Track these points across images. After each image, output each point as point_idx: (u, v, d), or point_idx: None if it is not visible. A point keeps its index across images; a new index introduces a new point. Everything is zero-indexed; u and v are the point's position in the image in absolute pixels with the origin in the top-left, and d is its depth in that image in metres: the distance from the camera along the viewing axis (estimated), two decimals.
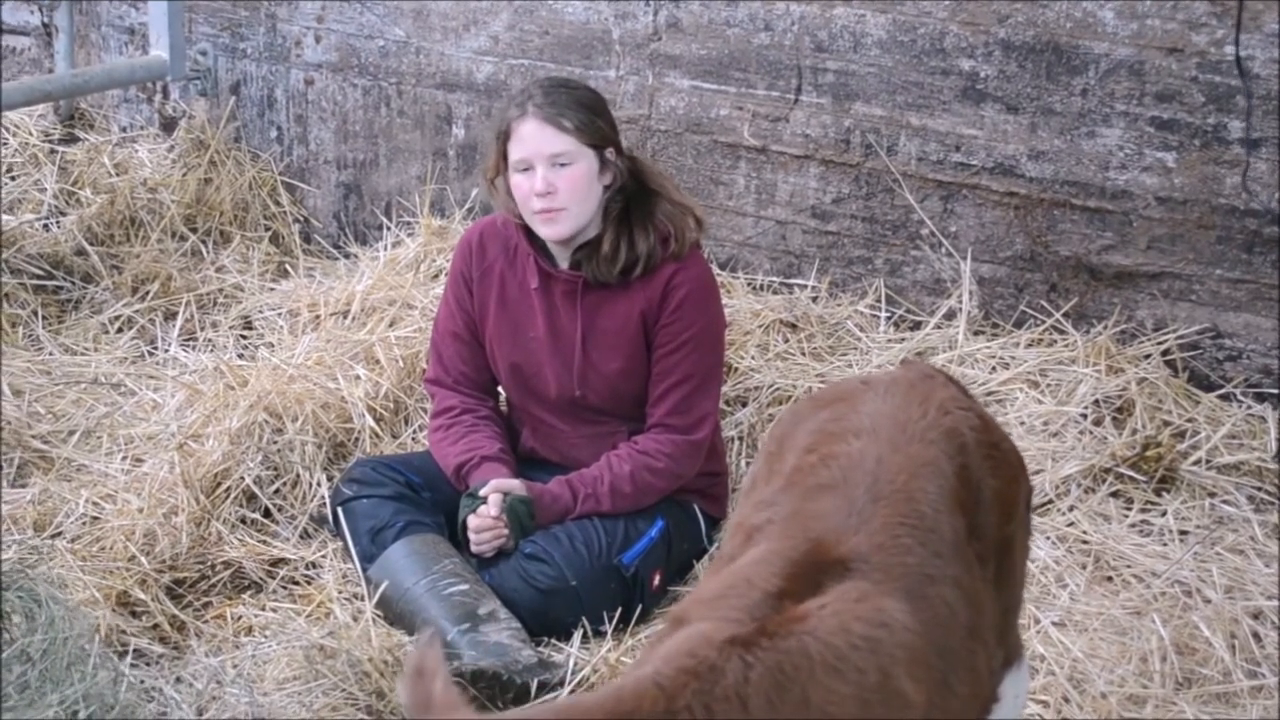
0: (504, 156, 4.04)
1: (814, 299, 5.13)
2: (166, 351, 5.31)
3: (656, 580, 4.03)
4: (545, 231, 4.02)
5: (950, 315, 4.96)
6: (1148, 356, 4.67)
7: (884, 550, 2.41)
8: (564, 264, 4.11)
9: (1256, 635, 3.77)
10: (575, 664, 3.77)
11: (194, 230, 5.98)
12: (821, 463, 2.60)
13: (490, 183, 4.13)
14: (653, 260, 4.04)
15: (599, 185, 4.02)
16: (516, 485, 4.02)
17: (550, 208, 3.95)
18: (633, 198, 4.06)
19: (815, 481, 2.57)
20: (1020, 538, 2.83)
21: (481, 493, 3.99)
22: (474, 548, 4.00)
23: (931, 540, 2.47)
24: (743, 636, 2.17)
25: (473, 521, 3.98)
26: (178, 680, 3.71)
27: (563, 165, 3.95)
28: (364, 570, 4.03)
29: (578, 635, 3.89)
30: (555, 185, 3.94)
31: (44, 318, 5.50)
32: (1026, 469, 2.91)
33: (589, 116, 4.00)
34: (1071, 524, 4.17)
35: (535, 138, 3.96)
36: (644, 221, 4.04)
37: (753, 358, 4.83)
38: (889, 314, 5.06)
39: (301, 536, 4.31)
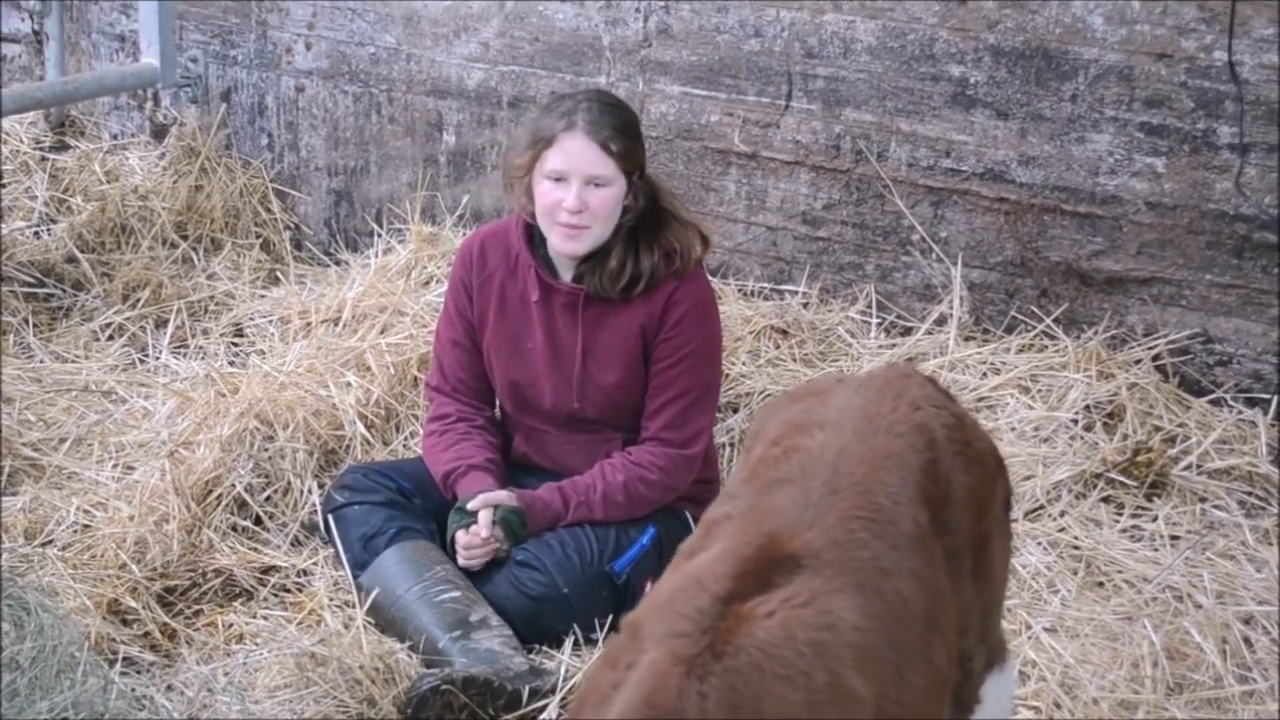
0: (534, 160, 4.02)
1: (805, 305, 5.14)
2: (157, 359, 5.29)
3: (648, 587, 4.00)
4: (564, 246, 4.00)
5: (941, 321, 4.96)
6: (1138, 362, 4.68)
7: (837, 545, 2.41)
8: (567, 276, 4.10)
9: (1247, 640, 3.78)
10: (567, 671, 3.77)
11: (185, 237, 5.97)
12: (783, 456, 2.60)
13: (509, 181, 4.11)
14: (655, 277, 4.04)
15: (621, 206, 4.02)
16: (505, 497, 4.01)
17: (578, 225, 3.95)
18: (643, 215, 4.06)
19: (775, 475, 2.57)
20: (997, 536, 2.82)
21: (470, 507, 3.98)
22: (462, 563, 3.99)
23: (888, 533, 2.46)
24: (697, 663, 2.17)
25: (462, 538, 3.98)
26: (169, 688, 3.70)
27: (598, 186, 3.95)
28: (355, 577, 4.02)
29: (569, 643, 3.89)
30: (588, 204, 3.94)
31: (35, 325, 5.49)
32: (1005, 469, 2.91)
33: (632, 144, 4.00)
34: (1063, 529, 4.17)
35: (581, 155, 3.94)
36: (651, 239, 4.04)
37: (744, 364, 4.83)
38: (880, 320, 5.06)
39: (293, 544, 4.30)
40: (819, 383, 2.99)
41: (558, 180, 3.95)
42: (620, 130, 3.98)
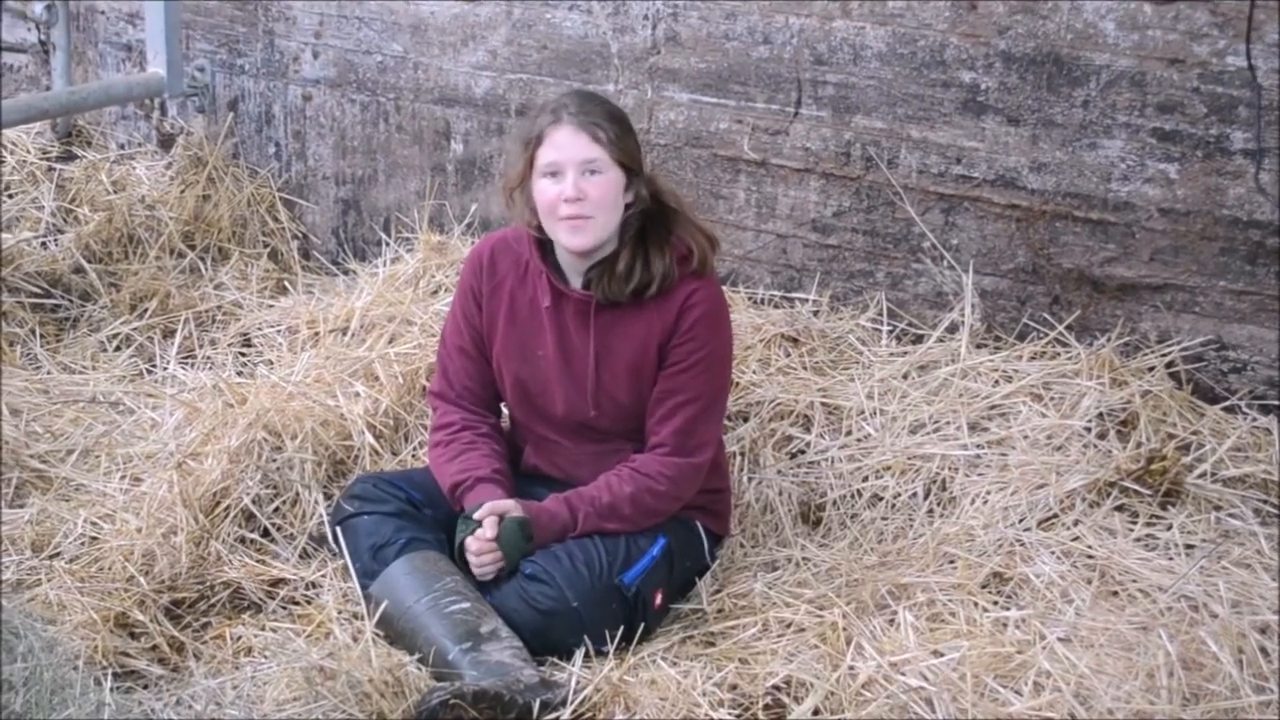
0: (529, 165, 4.01)
1: (815, 313, 5.11)
2: (165, 369, 5.29)
3: (659, 599, 4.00)
4: (570, 241, 3.98)
5: (953, 328, 4.94)
6: (1151, 369, 4.65)
7: None
8: (577, 282, 4.08)
9: (1264, 650, 3.74)
10: (578, 684, 3.75)
11: (192, 247, 5.97)
12: None
13: (509, 195, 4.10)
14: (668, 280, 4.01)
15: (622, 201, 4.00)
16: (510, 506, 3.98)
17: (579, 214, 3.92)
18: (650, 217, 4.04)
19: None
20: None
21: (476, 515, 3.96)
22: (475, 571, 3.97)
23: None
24: None
25: (471, 544, 3.95)
26: (177, 702, 3.68)
27: (593, 173, 3.93)
28: (364, 588, 4.00)
29: (580, 654, 3.87)
30: (585, 192, 3.92)
31: (42, 336, 5.48)
32: None
33: (621, 132, 3.99)
34: (1076, 538, 4.14)
35: (571, 144, 3.94)
36: (660, 242, 4.02)
37: (754, 372, 4.81)
38: (891, 327, 5.03)
39: (301, 556, 4.29)
40: None
41: (554, 175, 3.95)
42: (607, 119, 3.98)
